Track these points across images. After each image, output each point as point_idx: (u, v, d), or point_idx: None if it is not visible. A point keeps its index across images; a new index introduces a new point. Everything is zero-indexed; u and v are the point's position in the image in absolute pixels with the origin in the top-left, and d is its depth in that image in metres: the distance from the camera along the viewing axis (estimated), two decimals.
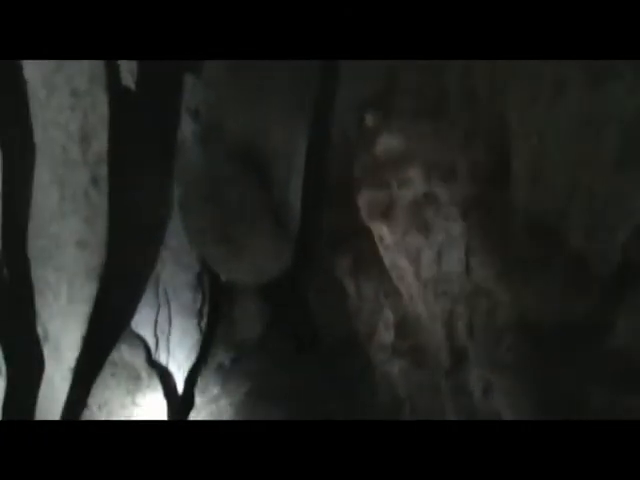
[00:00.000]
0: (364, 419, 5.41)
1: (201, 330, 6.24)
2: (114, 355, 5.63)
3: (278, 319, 6.56)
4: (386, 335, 5.17)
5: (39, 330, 4.91)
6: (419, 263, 4.56)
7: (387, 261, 4.82)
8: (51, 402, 5.04)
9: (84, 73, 4.14)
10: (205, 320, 6.27)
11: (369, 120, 4.56)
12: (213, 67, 5.40)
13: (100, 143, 4.34)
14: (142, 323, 5.99)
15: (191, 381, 6.24)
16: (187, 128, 5.54)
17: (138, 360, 6.02)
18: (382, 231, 4.65)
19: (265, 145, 5.58)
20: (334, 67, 5.39)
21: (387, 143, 4.49)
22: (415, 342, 5.01)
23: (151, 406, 5.89)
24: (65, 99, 4.19)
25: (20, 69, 4.17)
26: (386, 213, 4.54)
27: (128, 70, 4.46)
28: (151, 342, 6.09)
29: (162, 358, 6.18)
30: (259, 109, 5.50)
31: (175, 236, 5.81)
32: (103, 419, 5.33)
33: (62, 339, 4.89)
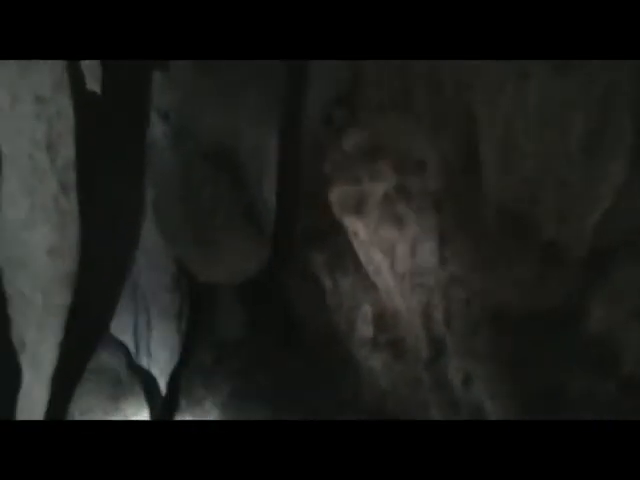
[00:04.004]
0: (348, 416, 5.45)
1: (181, 332, 6.22)
2: (94, 361, 5.59)
3: (258, 317, 6.56)
4: (365, 329, 5.18)
5: (15, 341, 4.86)
6: (394, 256, 4.57)
7: (362, 256, 4.82)
8: (31, 412, 4.99)
9: (47, 80, 4.09)
10: (185, 322, 6.24)
11: (336, 116, 4.56)
12: (181, 68, 5.37)
13: (67, 150, 4.28)
14: (121, 328, 5.97)
15: (174, 383, 6.22)
16: (158, 129, 5.50)
17: (119, 365, 6.01)
18: (356, 226, 4.65)
19: (237, 145, 5.57)
20: (301, 66, 5.38)
21: (355, 138, 4.49)
22: (394, 335, 5.02)
23: (134, 410, 5.88)
24: (29, 107, 4.14)
25: None
26: (358, 208, 4.54)
27: (93, 75, 4.41)
28: (131, 346, 6.08)
29: (143, 362, 6.17)
30: (229, 109, 5.48)
31: (150, 239, 5.77)
32: None
33: (39, 349, 4.82)
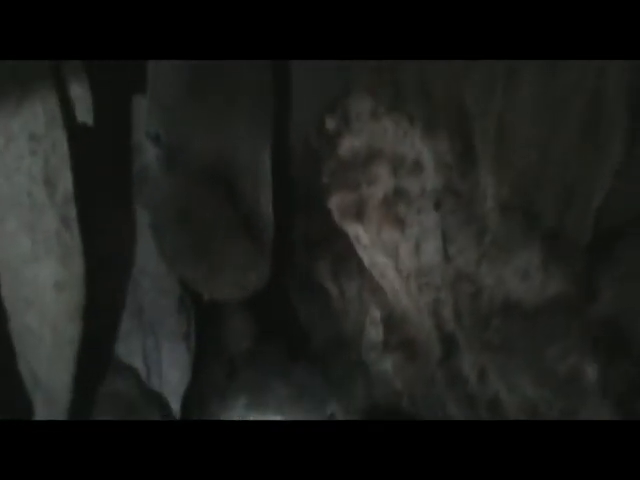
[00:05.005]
0: (364, 418, 5.47)
1: (190, 352, 6.22)
2: (108, 389, 5.61)
3: (266, 330, 6.56)
4: (374, 333, 5.19)
5: (28, 377, 4.87)
6: (398, 258, 4.58)
7: (366, 260, 4.83)
8: None
9: (40, 116, 4.12)
10: (193, 341, 6.24)
11: (329, 123, 4.58)
12: (169, 90, 5.39)
13: (65, 183, 4.32)
14: (131, 353, 5.97)
15: (187, 403, 6.22)
16: (150, 153, 5.51)
17: (132, 390, 6.00)
18: (357, 231, 4.66)
19: (230, 161, 5.58)
20: (288, 78, 5.40)
21: (350, 144, 4.51)
22: (405, 336, 5.03)
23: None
24: (24, 144, 4.17)
25: None
26: (359, 213, 4.55)
27: (84, 107, 4.44)
28: (142, 371, 6.07)
29: (155, 385, 6.16)
30: (219, 127, 5.49)
31: (152, 262, 5.79)
32: None
33: (53, 383, 4.85)
